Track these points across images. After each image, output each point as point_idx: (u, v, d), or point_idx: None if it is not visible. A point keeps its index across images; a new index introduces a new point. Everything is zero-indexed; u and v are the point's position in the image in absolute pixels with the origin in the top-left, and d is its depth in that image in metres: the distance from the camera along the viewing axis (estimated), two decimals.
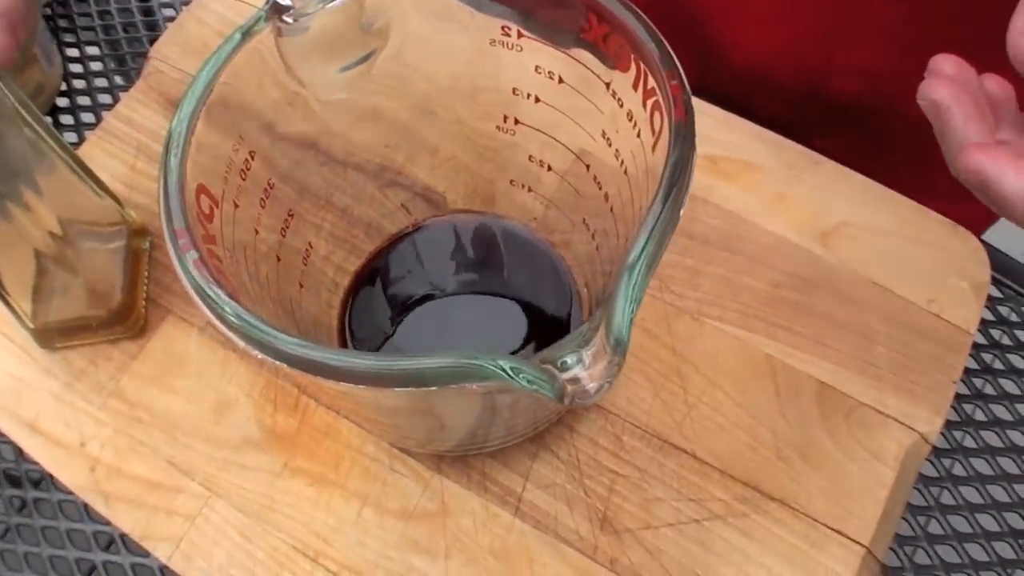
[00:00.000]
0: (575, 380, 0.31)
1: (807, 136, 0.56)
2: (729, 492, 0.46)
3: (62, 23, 0.66)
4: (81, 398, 0.50)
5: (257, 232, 0.42)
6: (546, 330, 0.49)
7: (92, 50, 0.64)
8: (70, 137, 0.62)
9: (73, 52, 0.65)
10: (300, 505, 0.47)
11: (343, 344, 0.49)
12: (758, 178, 0.53)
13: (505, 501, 0.46)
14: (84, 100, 0.63)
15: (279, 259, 0.44)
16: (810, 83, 0.63)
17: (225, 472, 0.48)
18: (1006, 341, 0.53)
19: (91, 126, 0.62)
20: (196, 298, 0.33)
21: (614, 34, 0.38)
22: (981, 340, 0.53)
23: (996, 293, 0.54)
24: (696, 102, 0.53)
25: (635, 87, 0.38)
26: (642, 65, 0.37)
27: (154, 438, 0.49)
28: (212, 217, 0.38)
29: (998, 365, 0.52)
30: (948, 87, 0.39)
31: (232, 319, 0.32)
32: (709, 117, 0.54)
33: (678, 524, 0.45)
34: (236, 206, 0.40)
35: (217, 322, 0.33)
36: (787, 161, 0.53)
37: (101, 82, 0.63)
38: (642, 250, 0.32)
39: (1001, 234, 0.56)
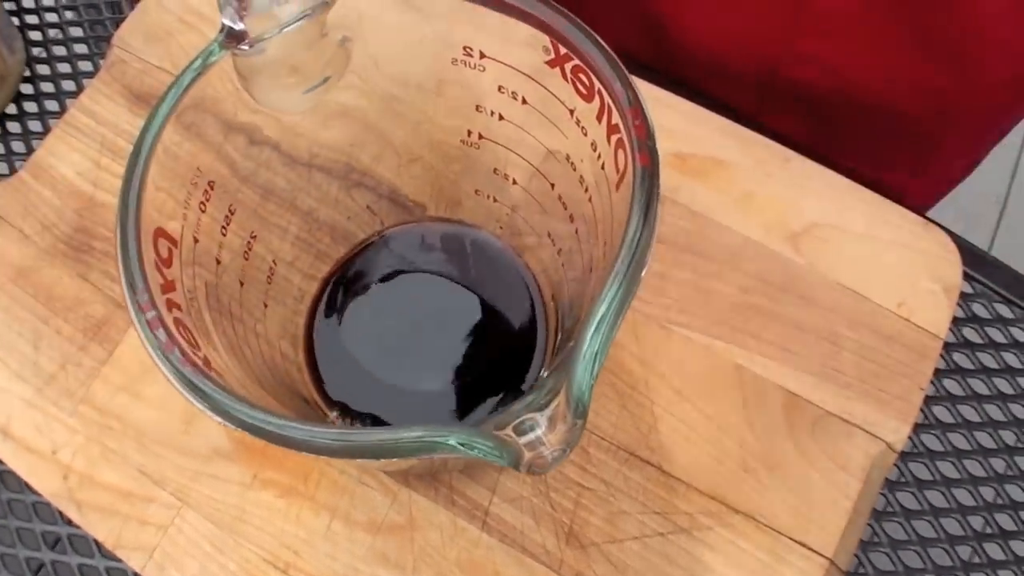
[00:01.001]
0: (532, 445, 0.30)
1: (763, 120, 0.56)
2: (694, 505, 0.46)
3: (25, 3, 0.64)
4: (52, 404, 0.50)
5: (219, 262, 0.41)
6: (513, 346, 0.48)
7: (55, 33, 0.63)
8: (34, 126, 0.60)
9: (36, 35, 0.63)
10: (270, 517, 0.47)
11: (309, 354, 0.48)
12: (727, 176, 0.52)
13: (472, 515, 0.46)
14: (48, 87, 0.61)
15: (242, 284, 0.43)
16: (767, 71, 0.63)
17: (196, 482, 0.48)
18: (977, 339, 0.53)
19: (55, 114, 0.60)
20: (156, 360, 0.33)
21: (576, 63, 0.37)
22: (951, 339, 0.52)
23: (968, 289, 0.54)
24: (663, 94, 0.53)
25: (599, 119, 0.37)
26: (606, 98, 0.36)
27: (125, 446, 0.49)
28: (171, 261, 0.37)
29: (967, 364, 0.52)
30: None
31: (188, 387, 0.32)
32: (676, 111, 0.53)
33: (643, 538, 0.46)
34: (196, 241, 0.39)
35: (177, 385, 0.33)
36: (757, 157, 0.52)
37: (64, 67, 0.61)
38: (603, 315, 0.32)
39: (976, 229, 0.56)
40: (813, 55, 0.61)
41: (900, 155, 0.69)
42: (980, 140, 0.71)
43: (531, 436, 0.30)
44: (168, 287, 0.36)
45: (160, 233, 0.37)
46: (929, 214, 0.53)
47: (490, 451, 0.30)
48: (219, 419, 0.32)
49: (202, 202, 0.40)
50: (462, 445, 0.29)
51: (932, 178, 0.73)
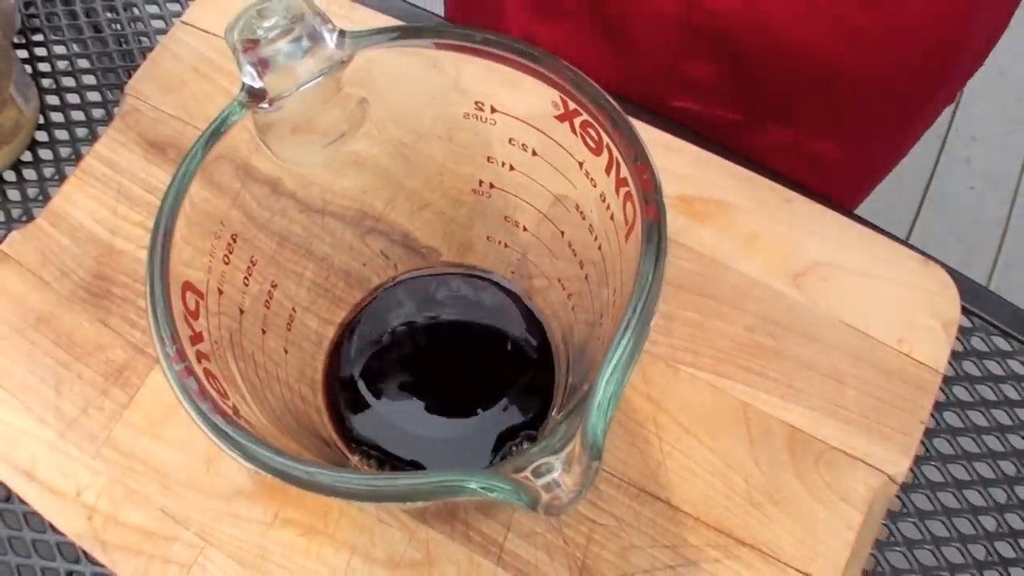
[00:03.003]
0: (549, 487, 0.33)
1: (682, 67, 0.59)
2: (702, 538, 0.49)
3: (38, 52, 0.67)
4: (75, 447, 0.52)
5: (242, 311, 0.44)
6: (526, 387, 0.51)
7: (68, 81, 0.66)
8: (49, 173, 0.63)
9: (48, 83, 0.66)
10: (292, 555, 0.50)
11: (328, 398, 0.51)
12: (731, 218, 0.55)
13: (488, 551, 0.49)
14: (62, 134, 0.64)
15: (264, 331, 0.46)
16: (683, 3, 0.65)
17: (218, 522, 0.51)
18: (975, 372, 0.55)
19: (70, 161, 0.63)
20: (188, 411, 0.36)
21: (585, 118, 0.40)
22: (950, 372, 0.55)
23: (966, 323, 0.56)
24: (671, 140, 0.56)
25: (607, 172, 0.40)
26: (614, 152, 0.39)
27: (148, 488, 0.51)
28: (198, 312, 0.40)
29: (967, 397, 0.55)
30: None
31: (220, 436, 0.35)
32: (682, 155, 0.56)
33: (654, 571, 0.48)
34: (221, 292, 0.42)
35: (211, 435, 0.35)
36: (760, 199, 0.55)
37: (78, 115, 0.65)
38: (616, 362, 0.34)
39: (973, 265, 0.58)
40: None
41: (824, 116, 0.70)
42: (905, 112, 0.72)
43: (548, 478, 0.33)
44: (197, 338, 0.39)
45: (188, 286, 0.39)
46: (929, 244, 0.56)
47: (509, 493, 0.32)
48: (250, 466, 0.34)
49: (226, 254, 0.42)
50: (482, 488, 0.32)
51: (858, 153, 0.75)
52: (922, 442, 0.52)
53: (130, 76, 0.61)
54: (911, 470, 0.51)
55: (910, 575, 0.52)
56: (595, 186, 0.42)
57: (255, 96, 0.40)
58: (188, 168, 0.40)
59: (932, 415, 0.52)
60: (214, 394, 0.37)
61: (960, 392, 0.55)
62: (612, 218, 0.41)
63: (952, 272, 0.54)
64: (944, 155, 0.72)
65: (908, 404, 0.51)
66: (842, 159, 0.73)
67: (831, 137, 0.72)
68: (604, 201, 0.41)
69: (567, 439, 0.33)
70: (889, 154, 0.80)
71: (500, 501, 0.32)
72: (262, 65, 0.40)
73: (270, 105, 0.40)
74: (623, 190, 0.39)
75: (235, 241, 0.43)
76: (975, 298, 0.56)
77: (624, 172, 0.39)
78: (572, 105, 0.40)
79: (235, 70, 0.42)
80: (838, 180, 0.76)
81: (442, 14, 0.73)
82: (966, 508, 0.53)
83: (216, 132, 0.41)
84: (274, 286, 0.46)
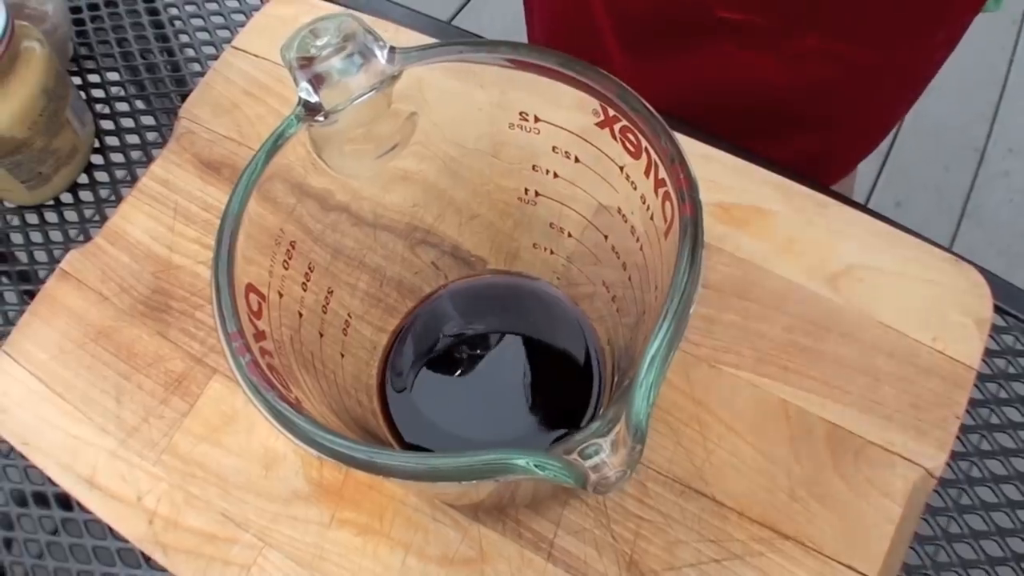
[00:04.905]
0: (597, 468, 0.36)
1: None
2: (746, 532, 0.52)
3: (91, 79, 0.72)
4: (136, 454, 0.57)
5: (301, 315, 0.48)
6: (573, 389, 0.55)
7: (122, 106, 0.71)
8: (105, 194, 0.68)
9: (103, 108, 0.71)
10: (348, 554, 0.53)
11: (383, 403, 0.55)
12: (769, 223, 0.59)
13: (538, 547, 0.53)
14: (117, 157, 0.69)
15: (321, 335, 0.50)
16: None
17: (276, 524, 0.54)
18: (1011, 370, 0.59)
19: (126, 183, 0.68)
20: (254, 401, 0.39)
21: (624, 123, 0.43)
22: (985, 370, 0.59)
23: (1000, 322, 0.60)
24: (710, 150, 0.60)
25: (647, 174, 0.44)
26: (652, 155, 0.42)
27: (208, 492, 0.55)
28: (261, 313, 0.44)
29: (1003, 394, 0.58)
30: None
31: (283, 422, 0.38)
32: (721, 165, 0.60)
33: (699, 564, 0.52)
34: (281, 295, 0.46)
35: (274, 422, 0.39)
36: (796, 205, 0.59)
37: (133, 138, 0.70)
38: (657, 350, 0.37)
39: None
40: None
41: (848, 18, 0.71)
42: (926, 16, 0.72)
43: (596, 460, 0.36)
44: (260, 336, 0.42)
45: (251, 288, 0.43)
46: (970, 257, 0.59)
47: (559, 471, 0.35)
48: (312, 451, 0.38)
49: (285, 260, 0.46)
50: (535, 466, 0.35)
51: (885, 59, 0.75)
52: (959, 438, 0.55)
53: (182, 100, 0.66)
54: (948, 466, 0.54)
55: (950, 569, 0.55)
56: (636, 189, 0.45)
57: (311, 110, 0.44)
58: (251, 176, 0.44)
59: (968, 412, 0.55)
60: (278, 385, 0.40)
61: (995, 389, 0.58)
62: (652, 218, 0.44)
63: (985, 273, 0.57)
64: (983, 169, 0.75)
65: (943, 400, 0.54)
66: (872, 63, 0.74)
67: (860, 42, 0.72)
68: (644, 203, 0.45)
69: (613, 423, 0.36)
70: (914, 71, 0.81)
71: (551, 480, 0.35)
72: (317, 81, 0.43)
73: (325, 118, 0.44)
74: (661, 190, 0.43)
75: (293, 248, 0.47)
76: (1009, 298, 0.60)
77: (662, 173, 0.42)
78: (612, 112, 0.44)
79: (285, 92, 0.46)
80: (868, 87, 0.77)
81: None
82: (1003, 502, 0.56)
83: (275, 144, 0.45)
84: (330, 292, 0.50)
